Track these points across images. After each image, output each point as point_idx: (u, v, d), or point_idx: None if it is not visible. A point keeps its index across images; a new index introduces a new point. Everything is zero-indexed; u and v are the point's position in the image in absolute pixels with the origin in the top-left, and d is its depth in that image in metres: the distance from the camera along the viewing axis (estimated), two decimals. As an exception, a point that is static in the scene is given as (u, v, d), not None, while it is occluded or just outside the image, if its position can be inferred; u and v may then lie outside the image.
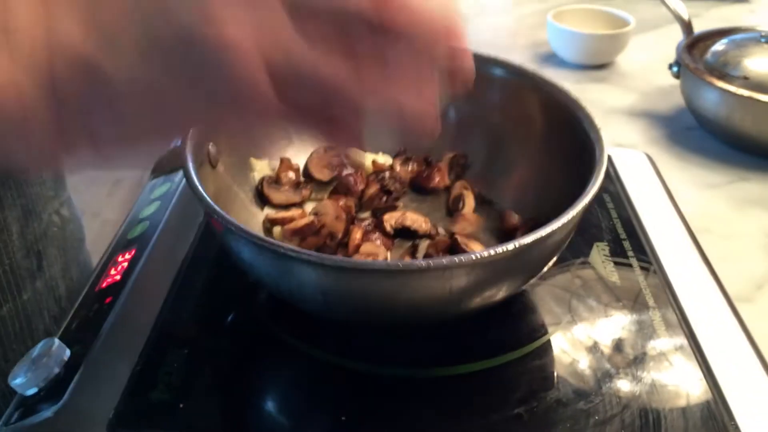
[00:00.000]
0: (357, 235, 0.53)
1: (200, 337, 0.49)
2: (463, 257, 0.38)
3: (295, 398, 0.46)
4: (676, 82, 0.90)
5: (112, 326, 0.50)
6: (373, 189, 0.58)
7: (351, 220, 0.55)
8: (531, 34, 1.19)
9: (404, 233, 0.55)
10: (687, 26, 0.91)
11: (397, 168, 0.62)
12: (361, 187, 0.59)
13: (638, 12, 1.12)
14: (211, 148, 0.52)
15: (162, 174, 0.70)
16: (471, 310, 0.43)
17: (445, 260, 0.38)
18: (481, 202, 0.60)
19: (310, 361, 0.44)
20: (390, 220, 0.54)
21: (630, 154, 0.71)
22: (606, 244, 0.58)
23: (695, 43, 0.90)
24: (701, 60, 0.86)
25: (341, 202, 0.56)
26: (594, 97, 0.98)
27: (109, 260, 0.57)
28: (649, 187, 0.66)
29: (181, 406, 0.44)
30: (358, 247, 0.52)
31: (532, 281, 0.47)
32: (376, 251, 0.52)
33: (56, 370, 0.46)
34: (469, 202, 0.59)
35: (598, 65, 1.06)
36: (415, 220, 0.55)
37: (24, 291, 0.60)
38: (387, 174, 0.59)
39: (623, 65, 1.07)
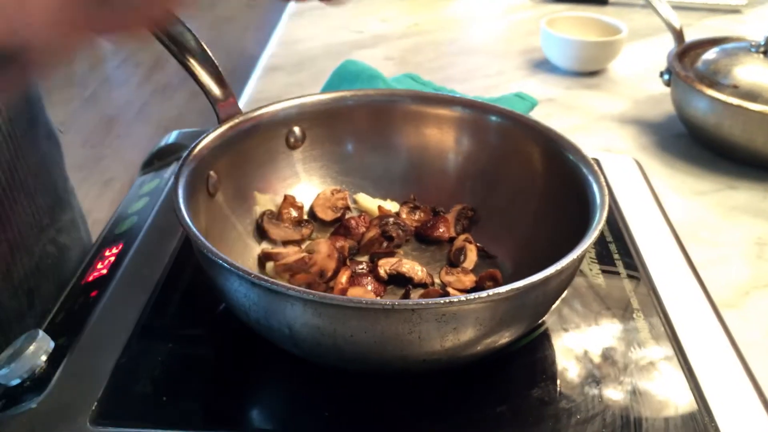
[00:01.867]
0: (343, 278, 0.51)
1: (185, 331, 0.49)
2: (430, 301, 0.37)
3: (278, 394, 0.46)
4: (667, 89, 0.90)
5: (98, 319, 0.50)
6: (374, 233, 0.57)
7: (343, 261, 0.54)
8: (524, 40, 1.20)
9: (399, 280, 0.53)
10: (678, 35, 0.91)
11: (404, 215, 0.60)
12: (362, 230, 0.58)
13: (631, 20, 1.13)
14: (212, 175, 0.52)
15: (152, 171, 0.70)
16: (444, 363, 0.42)
17: (410, 302, 0.37)
18: (485, 257, 0.58)
19: (293, 357, 0.44)
20: (385, 265, 0.53)
21: (619, 159, 0.72)
22: (593, 246, 0.58)
23: (686, 52, 0.90)
24: (692, 68, 0.87)
25: (338, 243, 0.55)
26: (585, 104, 0.99)
27: (96, 254, 0.57)
28: (637, 193, 0.67)
29: (164, 399, 0.44)
30: (344, 291, 0.51)
31: (513, 339, 0.44)
32: (363, 296, 0.50)
33: (40, 362, 0.46)
34: (471, 256, 0.57)
35: (590, 72, 1.07)
36: (411, 267, 0.53)
37: (10, 332, 0.56)
38: (391, 220, 0.58)
39: (615, 72, 1.08)
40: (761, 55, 0.83)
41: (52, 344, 0.47)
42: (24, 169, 0.59)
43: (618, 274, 0.56)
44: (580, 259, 0.43)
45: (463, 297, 0.38)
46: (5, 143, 0.56)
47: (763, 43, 0.84)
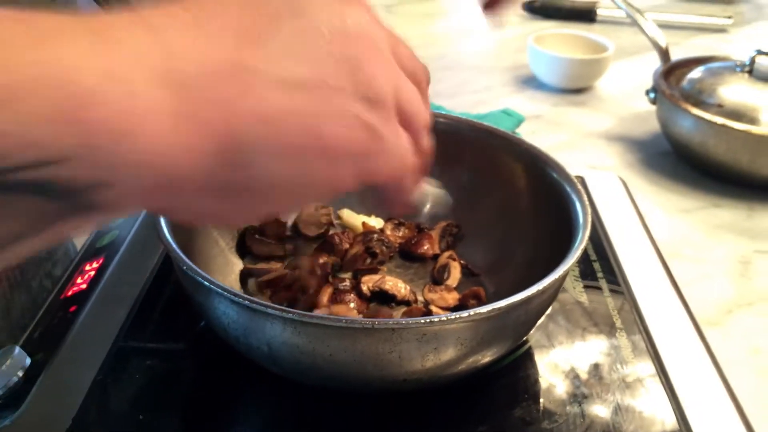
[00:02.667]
0: (324, 297, 0.51)
1: (164, 348, 0.49)
2: (410, 320, 0.37)
3: (257, 412, 0.46)
4: (653, 108, 0.91)
5: (76, 335, 0.49)
6: (357, 249, 0.56)
7: (326, 278, 0.54)
8: (512, 56, 1.20)
9: (382, 297, 0.53)
10: (664, 53, 0.92)
11: (388, 231, 0.60)
12: (345, 246, 0.57)
13: (619, 39, 1.14)
14: None
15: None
16: (425, 382, 0.41)
17: (391, 321, 0.37)
18: (468, 275, 0.57)
19: (273, 375, 0.43)
20: (368, 282, 0.53)
21: (603, 176, 0.72)
22: (576, 264, 0.58)
23: (672, 71, 0.91)
24: (677, 87, 0.87)
25: (321, 259, 0.55)
26: (572, 120, 0.99)
27: (76, 269, 0.57)
28: (621, 210, 0.67)
29: (140, 417, 0.43)
30: (326, 308, 0.50)
31: (495, 358, 0.44)
32: (346, 314, 0.50)
33: (15, 378, 0.45)
34: (455, 273, 0.56)
35: (577, 89, 1.08)
36: (395, 284, 0.53)
37: None
38: (375, 236, 0.57)
39: (602, 90, 1.09)
40: (746, 75, 0.84)
41: (28, 360, 0.46)
42: None
43: (601, 291, 0.55)
44: (563, 278, 0.43)
45: (443, 316, 0.38)
46: None
47: (748, 62, 0.84)
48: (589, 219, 0.46)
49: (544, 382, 0.47)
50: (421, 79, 0.36)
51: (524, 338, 0.49)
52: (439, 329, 0.38)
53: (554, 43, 1.10)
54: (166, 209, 0.30)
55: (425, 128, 0.35)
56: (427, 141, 0.36)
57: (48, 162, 0.22)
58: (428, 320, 0.37)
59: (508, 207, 0.56)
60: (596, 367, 0.48)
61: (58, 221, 0.25)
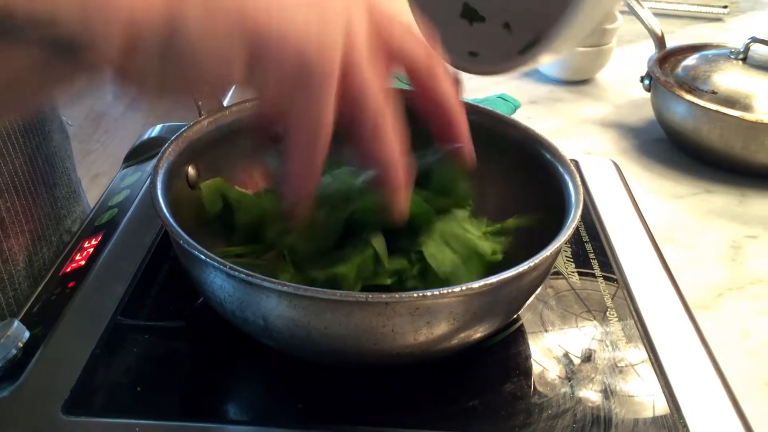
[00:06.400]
0: None
1: (162, 323, 0.49)
2: (404, 294, 0.38)
3: (253, 386, 0.46)
4: (648, 95, 0.91)
5: (74, 310, 0.50)
6: None
7: None
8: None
9: None
10: (660, 41, 0.93)
11: None
12: None
13: (615, 26, 1.14)
14: (191, 170, 0.52)
15: (134, 164, 0.70)
16: (418, 357, 0.42)
17: (384, 295, 0.38)
18: None
19: (269, 350, 0.44)
20: None
21: (597, 161, 0.73)
22: (568, 245, 0.59)
23: (667, 58, 0.92)
24: (672, 74, 0.88)
25: None
26: (567, 107, 1.00)
27: (75, 246, 0.57)
28: (614, 194, 0.68)
29: (138, 389, 0.44)
30: None
31: (487, 334, 0.44)
32: None
33: (14, 351, 0.45)
34: None
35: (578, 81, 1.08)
36: None
37: None
38: None
39: (598, 78, 1.09)
40: (740, 62, 0.85)
41: (27, 334, 0.46)
42: (42, 160, 0.62)
43: (593, 273, 0.56)
44: (554, 255, 0.43)
45: (436, 291, 0.38)
46: (26, 135, 0.58)
47: (742, 50, 0.85)
48: (582, 198, 0.46)
49: (534, 360, 0.48)
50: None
51: (516, 315, 0.50)
52: (431, 303, 0.39)
53: None
54: (132, 73, 0.32)
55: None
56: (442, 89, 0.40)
57: (57, 22, 0.28)
58: (421, 294, 0.38)
59: (500, 188, 0.57)
60: (586, 347, 0.49)
61: (53, 73, 0.31)
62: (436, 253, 0.46)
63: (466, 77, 1.08)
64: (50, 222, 0.62)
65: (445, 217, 0.48)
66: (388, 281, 0.45)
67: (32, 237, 0.59)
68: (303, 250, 0.47)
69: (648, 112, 0.94)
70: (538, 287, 0.47)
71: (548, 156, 0.52)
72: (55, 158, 0.64)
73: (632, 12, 0.94)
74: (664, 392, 0.46)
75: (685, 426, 0.43)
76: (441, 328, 0.40)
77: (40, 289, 0.53)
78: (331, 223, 0.46)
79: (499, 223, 0.51)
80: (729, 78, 0.83)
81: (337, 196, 0.46)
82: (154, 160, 0.47)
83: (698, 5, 1.36)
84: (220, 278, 0.40)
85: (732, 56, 0.86)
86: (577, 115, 0.98)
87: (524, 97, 0.98)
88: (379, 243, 0.45)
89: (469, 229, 0.48)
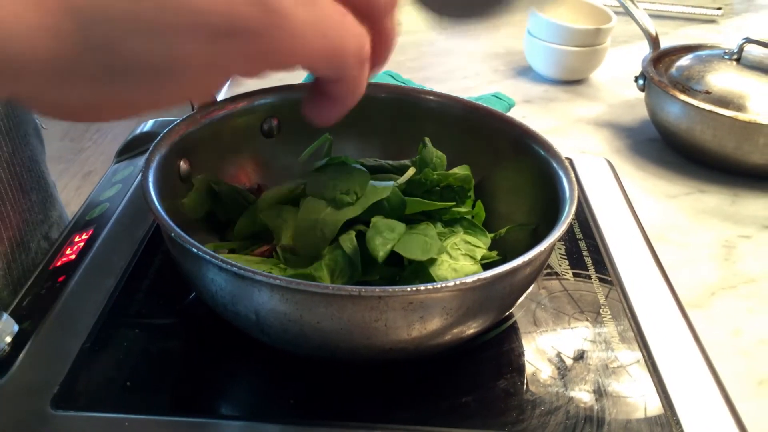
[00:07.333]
0: None
1: (152, 318, 0.49)
2: (397, 288, 0.37)
3: (244, 381, 0.46)
4: (642, 95, 0.91)
5: (64, 304, 0.49)
6: None
7: None
8: (506, 43, 1.20)
9: None
10: (654, 41, 0.93)
11: None
12: None
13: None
14: (183, 164, 0.51)
15: (126, 158, 0.69)
16: (411, 352, 0.42)
17: (377, 289, 0.37)
18: None
19: (261, 345, 0.44)
20: None
21: (591, 159, 0.73)
22: (562, 243, 0.58)
23: (661, 58, 0.92)
24: (666, 74, 0.88)
25: None
26: (561, 107, 1.00)
27: (65, 240, 0.57)
28: (608, 193, 0.67)
29: (127, 384, 0.43)
30: None
31: (481, 329, 0.44)
32: None
33: (3, 345, 0.45)
34: None
35: (572, 81, 1.07)
36: None
37: None
38: None
39: (593, 77, 1.09)
40: (734, 63, 0.85)
41: (16, 327, 0.46)
42: (20, 165, 0.60)
43: (587, 271, 0.56)
44: (549, 251, 0.43)
45: (430, 285, 0.38)
46: (4, 140, 0.57)
47: (736, 50, 0.85)
48: (576, 194, 0.46)
49: (528, 356, 0.48)
50: None
51: (509, 311, 0.49)
52: (425, 298, 0.38)
53: (557, 10, 1.07)
54: (37, 99, 0.28)
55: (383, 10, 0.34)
56: (389, 24, 0.35)
57: None
58: (414, 288, 0.37)
59: (494, 185, 0.57)
60: (579, 344, 0.49)
61: None
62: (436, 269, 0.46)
63: (461, 76, 1.08)
64: (28, 228, 0.61)
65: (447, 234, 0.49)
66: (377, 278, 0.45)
67: (10, 244, 0.58)
68: (297, 248, 0.48)
69: (642, 112, 0.94)
70: (532, 283, 0.46)
71: (542, 152, 0.52)
72: (31, 162, 0.63)
73: (627, 12, 0.94)
74: (657, 391, 0.46)
75: (679, 424, 0.43)
76: (434, 324, 0.40)
77: (30, 282, 0.52)
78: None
79: (495, 233, 0.52)
80: (723, 78, 0.83)
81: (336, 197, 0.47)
82: (146, 154, 0.47)
83: (692, 6, 1.37)
84: (212, 272, 0.40)
85: (726, 57, 0.86)
86: (572, 114, 0.98)
87: (519, 96, 0.98)
88: (346, 240, 0.45)
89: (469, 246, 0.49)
